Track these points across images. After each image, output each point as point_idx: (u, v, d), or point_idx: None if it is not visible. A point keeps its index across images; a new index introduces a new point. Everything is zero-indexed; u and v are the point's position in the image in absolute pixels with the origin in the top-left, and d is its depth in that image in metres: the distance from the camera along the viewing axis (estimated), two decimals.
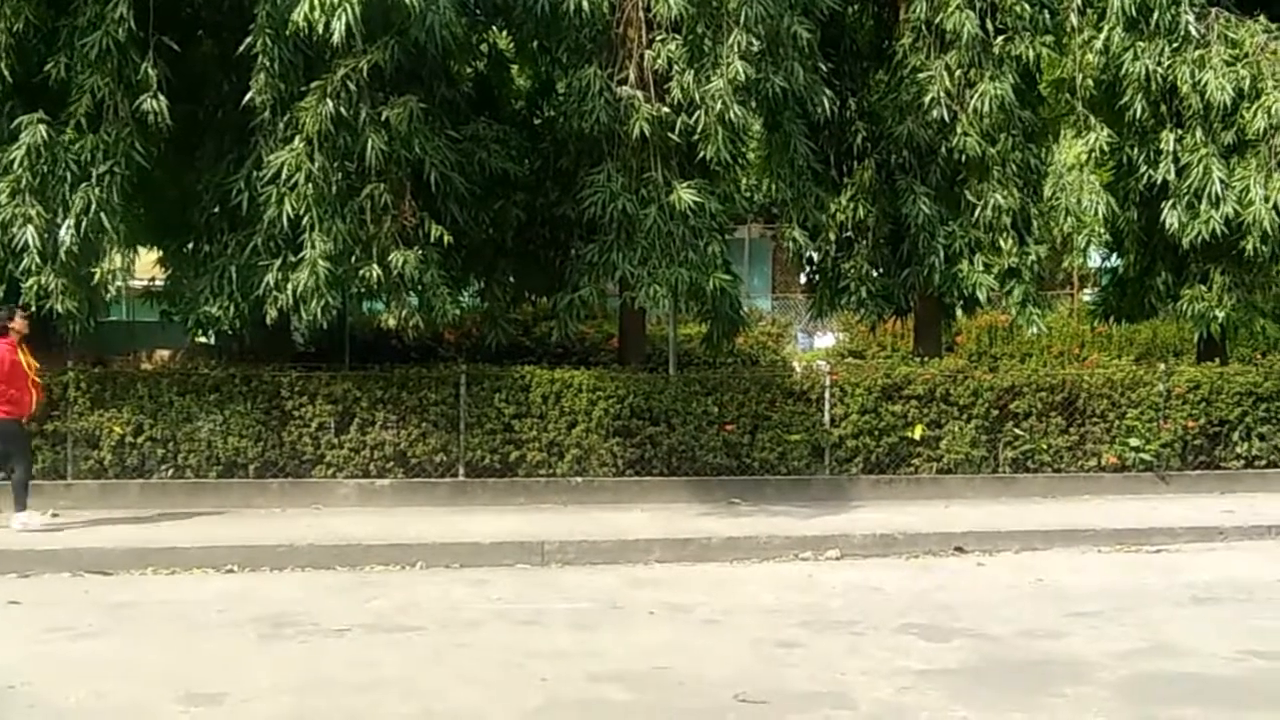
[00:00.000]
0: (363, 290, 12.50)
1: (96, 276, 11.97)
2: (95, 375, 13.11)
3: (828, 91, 13.43)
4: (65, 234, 11.78)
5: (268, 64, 11.59)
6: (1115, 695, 7.08)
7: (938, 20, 14.06)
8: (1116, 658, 7.88)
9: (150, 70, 11.68)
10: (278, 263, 11.96)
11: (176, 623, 8.83)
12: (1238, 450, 14.88)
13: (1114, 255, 16.94)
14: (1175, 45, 14.22)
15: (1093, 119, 14.55)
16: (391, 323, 17.53)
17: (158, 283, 14.58)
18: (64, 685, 7.14)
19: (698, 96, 12.29)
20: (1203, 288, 14.80)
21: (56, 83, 11.77)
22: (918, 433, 14.15)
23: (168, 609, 9.24)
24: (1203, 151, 14.12)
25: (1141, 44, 14.27)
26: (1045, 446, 14.48)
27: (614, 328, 16.99)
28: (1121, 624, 8.84)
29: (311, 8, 10.98)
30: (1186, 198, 14.24)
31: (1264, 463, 14.90)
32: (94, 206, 11.63)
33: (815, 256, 15.51)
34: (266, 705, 6.82)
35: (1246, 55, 14.08)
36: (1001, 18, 14.23)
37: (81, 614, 9.01)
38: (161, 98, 11.68)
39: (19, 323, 11.74)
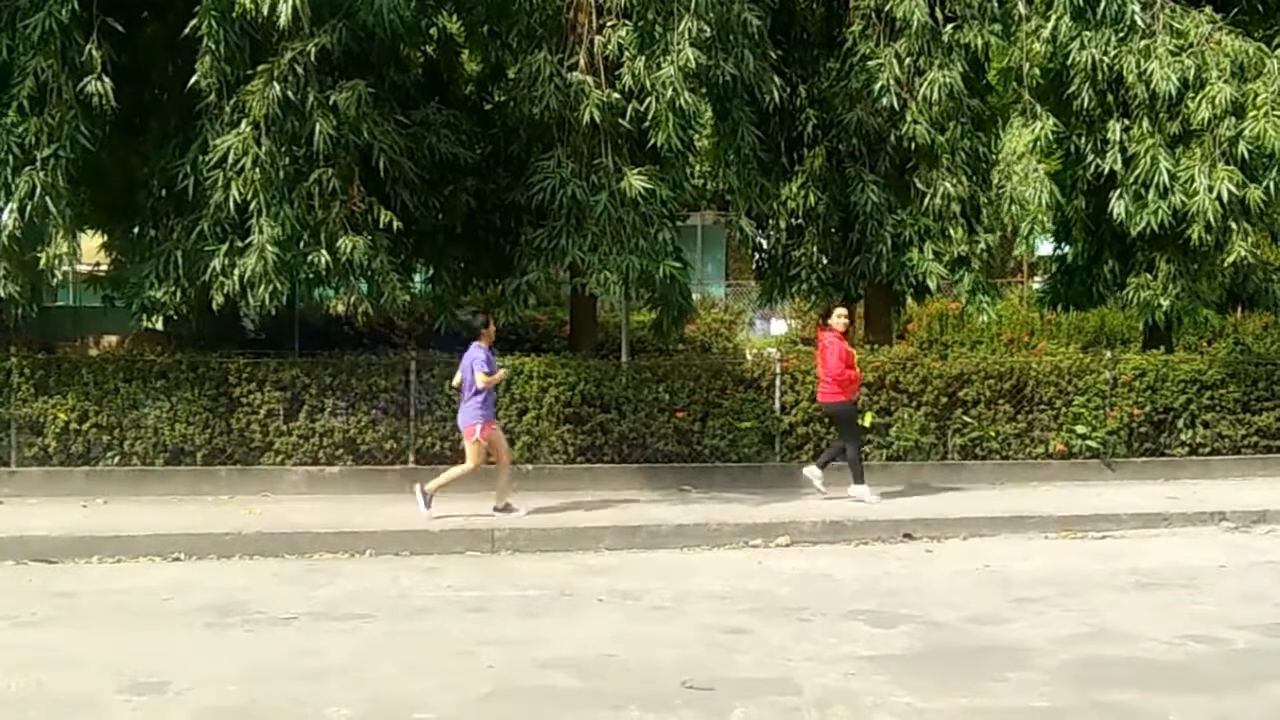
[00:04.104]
0: (311, 276, 12.38)
1: (41, 261, 11.80)
2: (39, 361, 12.92)
3: (777, 79, 13.47)
4: (8, 218, 11.63)
5: (213, 46, 11.42)
6: (1057, 679, 7.16)
7: (887, 8, 14.06)
8: (1059, 643, 7.97)
9: (95, 52, 11.48)
10: (224, 248, 11.81)
11: (121, 611, 8.75)
12: (1182, 438, 15.06)
13: (1063, 244, 17.06)
14: (1121, 35, 14.33)
15: (1040, 108, 14.61)
16: (341, 309, 17.44)
17: (103, 268, 14.42)
18: (4, 674, 7.05)
19: (648, 83, 12.26)
20: (1149, 276, 14.90)
21: None
22: (868, 420, 14.19)
23: (112, 598, 9.15)
24: (1149, 141, 14.24)
25: (1088, 33, 14.38)
26: (994, 434, 14.60)
27: (567, 315, 16.95)
28: (1065, 609, 8.94)
29: None
30: (1134, 188, 14.35)
31: (1208, 450, 15.08)
32: (38, 190, 11.45)
33: (765, 244, 15.55)
34: (210, 694, 6.76)
35: (1191, 45, 14.17)
36: (950, 6, 14.29)
37: (24, 602, 8.91)
38: (106, 80, 11.48)
39: (840, 318, 13.40)
